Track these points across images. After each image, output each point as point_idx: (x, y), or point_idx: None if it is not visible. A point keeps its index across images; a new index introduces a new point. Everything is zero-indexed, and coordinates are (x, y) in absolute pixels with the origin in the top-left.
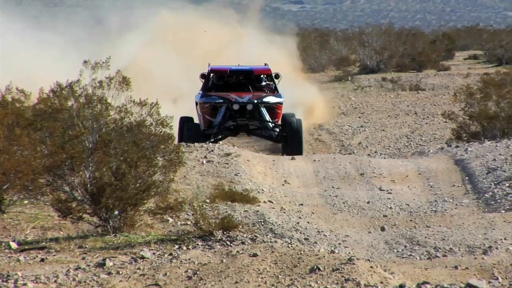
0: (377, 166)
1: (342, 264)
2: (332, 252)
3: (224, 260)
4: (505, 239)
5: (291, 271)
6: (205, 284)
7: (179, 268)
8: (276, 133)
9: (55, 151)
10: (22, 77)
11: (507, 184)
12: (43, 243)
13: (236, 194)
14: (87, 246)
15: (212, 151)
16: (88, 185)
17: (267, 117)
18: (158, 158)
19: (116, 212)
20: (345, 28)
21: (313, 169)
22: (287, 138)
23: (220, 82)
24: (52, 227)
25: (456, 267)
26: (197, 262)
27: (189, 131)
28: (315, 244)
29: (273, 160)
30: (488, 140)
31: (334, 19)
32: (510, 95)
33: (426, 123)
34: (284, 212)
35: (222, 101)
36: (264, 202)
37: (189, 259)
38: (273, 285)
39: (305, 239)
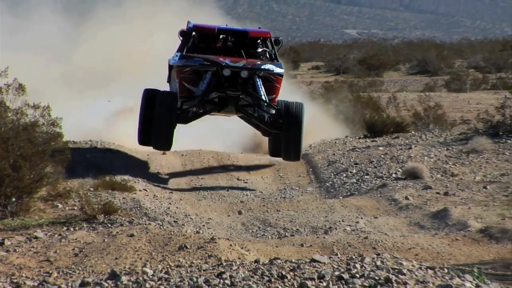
0: (235, 159)
1: (206, 242)
2: (197, 232)
3: (105, 240)
4: (342, 221)
5: (162, 249)
6: (89, 260)
7: (67, 246)
8: (269, 115)
9: None
10: None
11: (344, 175)
12: None
13: (115, 184)
14: None
15: (95, 147)
16: None
17: (262, 92)
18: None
19: (14, 199)
20: None
21: (181, 162)
22: (283, 125)
23: (204, 45)
24: None
25: (302, 245)
26: (83, 241)
27: (162, 107)
28: (183, 225)
29: (148, 155)
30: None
31: None
32: (347, 100)
33: None
34: (157, 199)
35: (209, 63)
36: (140, 190)
37: (76, 239)
38: (147, 260)
39: (174, 221)
